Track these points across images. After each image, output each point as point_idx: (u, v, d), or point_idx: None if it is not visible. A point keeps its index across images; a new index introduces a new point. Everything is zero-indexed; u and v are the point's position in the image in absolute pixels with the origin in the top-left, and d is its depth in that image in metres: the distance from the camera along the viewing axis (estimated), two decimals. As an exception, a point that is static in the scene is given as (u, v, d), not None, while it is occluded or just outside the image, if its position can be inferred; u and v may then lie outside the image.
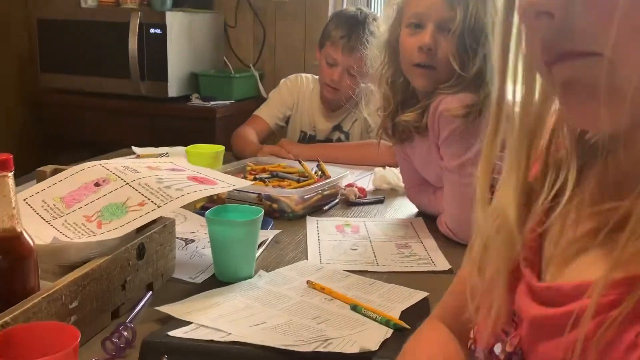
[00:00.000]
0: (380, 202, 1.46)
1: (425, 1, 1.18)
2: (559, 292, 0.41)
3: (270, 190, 1.32)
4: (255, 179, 1.40)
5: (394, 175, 1.56)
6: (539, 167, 0.49)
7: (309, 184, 1.37)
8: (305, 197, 1.33)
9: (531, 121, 0.47)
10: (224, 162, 1.53)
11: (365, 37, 1.29)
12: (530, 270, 0.45)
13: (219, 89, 2.71)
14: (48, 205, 0.92)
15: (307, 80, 2.07)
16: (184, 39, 2.65)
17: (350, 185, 1.49)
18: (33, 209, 0.91)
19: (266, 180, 1.38)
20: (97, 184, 0.95)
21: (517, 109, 0.47)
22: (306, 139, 2.04)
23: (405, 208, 1.43)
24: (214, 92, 2.70)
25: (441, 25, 1.16)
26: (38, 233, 0.82)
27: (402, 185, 1.54)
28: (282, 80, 2.10)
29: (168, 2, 2.62)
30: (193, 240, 1.14)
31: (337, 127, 2.01)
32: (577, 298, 0.39)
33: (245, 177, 1.42)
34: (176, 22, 2.58)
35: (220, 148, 1.50)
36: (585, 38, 0.36)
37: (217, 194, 1.34)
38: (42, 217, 0.89)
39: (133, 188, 0.94)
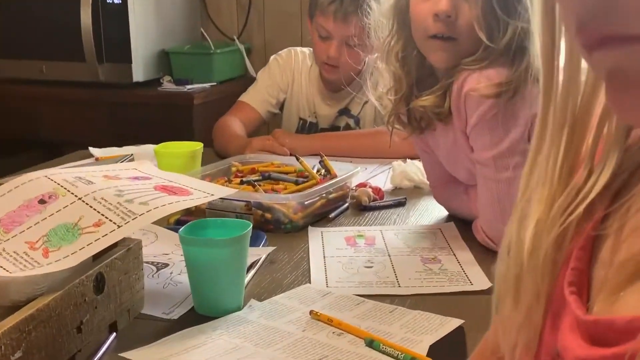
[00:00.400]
0: (401, 204, 1.45)
1: None
2: (611, 327, 0.40)
3: (261, 196, 1.31)
4: (242, 182, 1.39)
5: (417, 170, 1.55)
6: (583, 169, 0.48)
7: (310, 186, 1.36)
8: (306, 202, 1.32)
9: (576, 109, 0.46)
10: (205, 162, 1.53)
11: None
12: (577, 297, 0.44)
13: (197, 69, 2.71)
14: None
15: (303, 56, 2.07)
16: (150, 10, 2.64)
17: (362, 185, 1.48)
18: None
19: (256, 183, 1.37)
20: (41, 201, 0.95)
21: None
22: (306, 127, 2.04)
23: (432, 211, 1.42)
24: (190, 74, 2.70)
25: None
26: (-32, 267, 0.82)
27: (427, 180, 1.54)
28: (272, 57, 2.09)
29: (128, -37, 2.61)
30: (166, 265, 1.14)
31: (344, 112, 2.00)
32: (632, 336, 0.38)
33: (229, 181, 1.41)
34: (139, -12, 2.58)
35: (197, 145, 1.50)
36: (629, 18, 0.35)
37: (196, 205, 1.34)
38: None
39: (87, 204, 0.93)
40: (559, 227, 0.47)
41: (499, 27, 1.12)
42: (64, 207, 0.93)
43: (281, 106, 2.07)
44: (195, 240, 0.96)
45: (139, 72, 2.62)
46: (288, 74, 2.04)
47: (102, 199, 0.94)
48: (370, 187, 1.47)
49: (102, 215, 0.91)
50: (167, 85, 2.67)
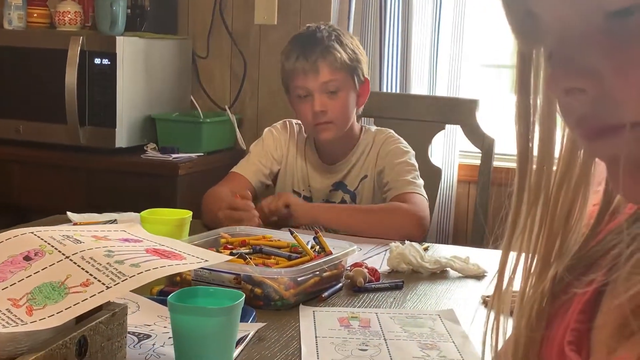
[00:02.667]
0: (398, 287, 1.49)
1: None
2: None
3: (252, 269, 1.34)
4: (232, 254, 1.43)
5: (416, 252, 1.59)
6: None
7: (303, 262, 1.40)
8: (299, 279, 1.35)
9: (550, 186, 0.55)
10: (191, 233, 1.56)
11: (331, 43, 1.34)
12: (577, 355, 0.49)
13: (184, 138, 2.77)
14: None
15: (298, 128, 2.14)
16: (139, 72, 2.73)
17: (357, 265, 1.52)
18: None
19: (247, 256, 1.41)
20: (27, 258, 0.98)
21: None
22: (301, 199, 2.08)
23: (431, 296, 1.45)
24: (176, 142, 2.75)
25: None
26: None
27: (426, 265, 1.58)
28: (266, 130, 2.15)
29: (119, 23, 2.71)
30: (149, 336, 1.16)
31: (340, 185, 2.06)
32: None
33: (218, 253, 1.45)
34: (129, 49, 2.67)
35: (186, 214, 1.54)
36: (625, 107, 0.42)
37: (180, 275, 1.37)
38: None
39: (74, 263, 0.96)
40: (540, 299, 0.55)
41: None
42: (50, 265, 0.97)
43: (274, 178, 2.12)
44: (185, 308, 0.99)
45: (123, 137, 2.68)
46: (283, 145, 2.10)
47: (91, 258, 0.97)
48: (366, 267, 1.51)
49: (91, 275, 0.94)
50: (152, 153, 2.73)
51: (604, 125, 0.44)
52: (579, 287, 0.54)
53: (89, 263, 0.96)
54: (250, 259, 1.41)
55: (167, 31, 2.97)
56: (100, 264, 0.96)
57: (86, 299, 0.91)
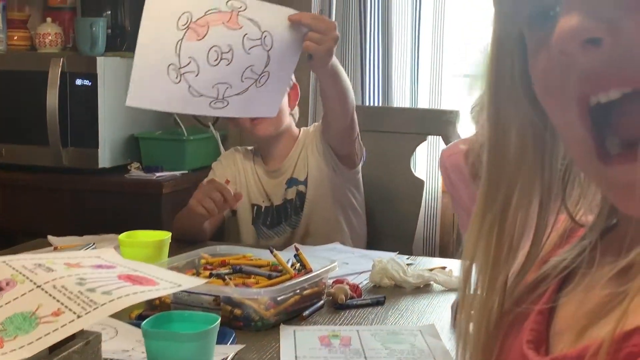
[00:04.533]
0: (379, 303, 1.48)
1: None
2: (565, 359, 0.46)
3: (231, 290, 1.34)
4: (211, 275, 1.42)
5: (398, 267, 1.59)
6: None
7: (283, 281, 1.39)
8: (279, 298, 1.35)
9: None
10: (172, 254, 1.56)
11: None
12: (535, 351, 0.51)
13: (168, 156, 2.77)
14: None
15: (244, 149, 2.20)
16: (120, 92, 2.64)
17: (339, 281, 1.52)
18: None
19: (226, 277, 1.40)
20: None
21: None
22: (262, 212, 2.12)
23: (413, 311, 1.45)
24: (160, 161, 2.75)
25: None
26: None
27: (409, 279, 1.58)
28: (214, 163, 2.23)
29: (100, 44, 2.71)
30: (127, 362, 1.15)
31: (291, 182, 2.10)
32: None
33: (198, 274, 1.44)
34: (111, 70, 2.66)
35: (165, 235, 1.54)
36: None
37: (159, 298, 1.36)
38: None
39: (46, 292, 0.96)
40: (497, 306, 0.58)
41: None
42: (21, 295, 0.96)
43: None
44: (159, 334, 0.99)
45: (106, 157, 2.67)
46: (232, 167, 2.15)
47: (63, 287, 0.96)
48: (347, 283, 1.50)
49: (62, 304, 0.94)
50: (135, 172, 2.71)
51: (613, 81, 0.44)
52: (532, 301, 0.57)
53: (60, 292, 0.96)
54: (230, 279, 1.40)
55: (149, 50, 2.96)
56: (72, 293, 0.95)
57: (57, 328, 0.90)
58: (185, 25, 1.53)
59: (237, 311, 1.32)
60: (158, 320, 1.03)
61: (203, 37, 1.54)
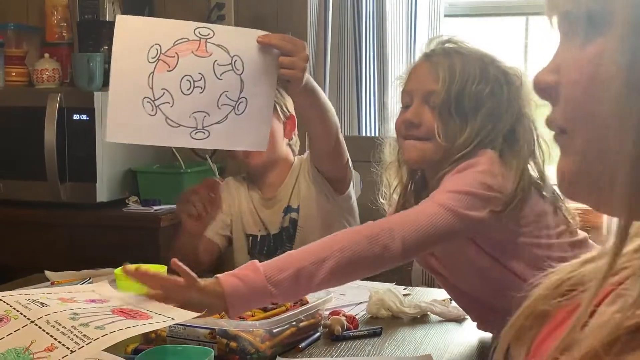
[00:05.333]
0: (376, 334, 1.48)
1: (414, 77, 1.48)
2: None
3: (226, 323, 1.34)
4: (207, 309, 1.42)
5: (395, 298, 1.59)
6: None
7: (279, 313, 1.39)
8: (275, 331, 1.35)
9: None
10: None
11: None
12: None
13: (165, 190, 2.76)
14: None
15: (238, 180, 2.21)
16: (118, 126, 2.73)
17: (335, 312, 1.52)
18: None
19: (222, 310, 1.40)
20: None
21: None
22: (257, 242, 2.12)
23: (410, 342, 1.45)
24: (158, 194, 2.75)
25: (427, 98, 1.43)
26: None
27: (406, 310, 1.58)
28: None
29: (97, 79, 2.72)
30: (122, 396, 1.15)
31: (288, 210, 2.10)
32: None
33: (194, 307, 1.44)
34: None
35: (161, 268, 1.54)
36: None
37: (154, 331, 1.36)
38: None
39: (40, 328, 0.96)
40: None
41: (458, 128, 1.39)
42: (15, 331, 0.97)
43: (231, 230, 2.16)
44: (153, 368, 0.99)
45: (104, 192, 2.68)
46: (228, 199, 2.14)
47: (56, 322, 0.97)
48: (344, 315, 1.51)
49: (55, 339, 0.94)
50: (133, 205, 2.72)
51: None
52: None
53: (54, 327, 0.96)
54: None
55: (146, 84, 2.98)
56: (65, 327, 0.96)
57: (50, 364, 0.90)
58: (155, 58, 1.55)
59: (233, 344, 1.32)
60: (152, 355, 1.03)
61: (174, 68, 1.56)
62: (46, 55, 2.89)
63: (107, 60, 2.82)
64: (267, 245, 2.11)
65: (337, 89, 2.73)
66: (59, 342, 0.94)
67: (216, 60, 1.57)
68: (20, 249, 2.71)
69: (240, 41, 1.58)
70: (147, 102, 1.55)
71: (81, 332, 0.95)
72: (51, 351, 0.93)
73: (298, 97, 1.83)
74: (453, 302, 1.60)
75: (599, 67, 0.49)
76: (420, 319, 1.59)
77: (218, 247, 2.13)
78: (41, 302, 1.03)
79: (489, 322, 1.46)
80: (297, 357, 1.36)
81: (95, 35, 2.90)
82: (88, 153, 2.63)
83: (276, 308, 1.44)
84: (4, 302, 1.03)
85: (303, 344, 1.40)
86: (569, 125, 0.52)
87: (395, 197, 1.56)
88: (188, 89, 1.56)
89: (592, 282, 0.51)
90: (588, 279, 0.57)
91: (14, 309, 1.01)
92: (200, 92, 1.56)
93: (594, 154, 0.50)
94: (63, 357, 0.91)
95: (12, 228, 2.73)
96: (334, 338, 1.45)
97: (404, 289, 1.77)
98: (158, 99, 1.55)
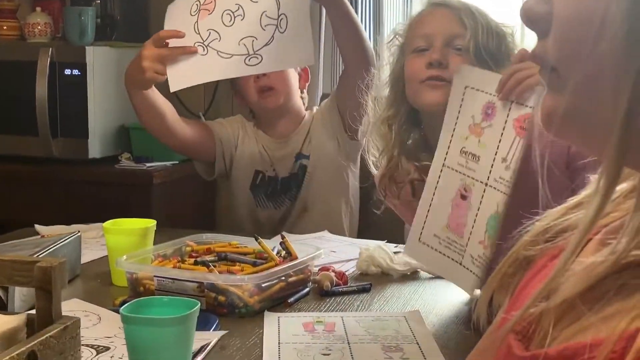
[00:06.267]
0: (365, 290, 1.48)
1: (432, 21, 1.44)
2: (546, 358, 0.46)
3: (215, 277, 1.34)
4: (196, 262, 1.42)
5: (385, 255, 1.59)
6: None
7: (268, 268, 1.39)
8: (264, 285, 1.35)
9: None
10: (157, 242, 1.56)
11: None
12: (520, 342, 0.50)
13: (158, 147, 2.69)
14: None
15: (249, 121, 2.20)
16: (110, 82, 2.70)
17: (325, 268, 1.52)
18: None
19: (211, 264, 1.40)
20: (463, 197, 1.21)
21: None
22: (265, 181, 2.12)
23: (399, 298, 1.45)
24: (150, 151, 2.73)
25: (451, 42, 1.42)
26: None
27: (396, 267, 1.58)
28: (218, 119, 2.25)
29: (89, 33, 2.70)
30: (107, 348, 1.15)
31: (299, 156, 2.11)
32: None
33: (183, 261, 1.44)
34: (100, 59, 2.65)
35: (150, 223, 1.53)
36: None
37: (143, 285, 1.37)
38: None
39: (494, 188, 1.18)
40: None
41: None
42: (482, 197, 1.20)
43: (229, 165, 2.15)
44: (136, 319, 0.99)
45: (96, 148, 2.66)
46: (236, 130, 2.15)
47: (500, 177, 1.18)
48: (333, 271, 1.50)
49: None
50: (126, 162, 2.71)
51: None
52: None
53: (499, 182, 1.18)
54: (215, 266, 1.40)
55: (138, 40, 2.91)
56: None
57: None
58: (197, 10, 1.74)
59: (221, 298, 1.32)
60: (138, 306, 1.03)
61: (213, 10, 1.72)
62: (38, 9, 2.84)
63: (99, 14, 2.81)
64: (272, 187, 2.11)
65: (332, 45, 2.70)
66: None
67: None
68: (11, 203, 2.70)
69: None
70: (198, 45, 1.73)
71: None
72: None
73: (332, 14, 1.90)
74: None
75: (599, 1, 0.46)
76: (409, 276, 1.59)
77: (213, 141, 2.12)
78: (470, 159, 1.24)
79: None
80: (286, 312, 1.36)
81: (87, -11, 2.86)
82: (80, 108, 2.61)
83: (265, 263, 1.44)
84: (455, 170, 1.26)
85: (292, 299, 1.40)
86: (560, 64, 0.49)
87: (384, 162, 1.54)
88: (230, 21, 1.72)
89: (580, 225, 0.50)
90: (575, 225, 0.56)
91: (467, 176, 1.23)
92: (242, 20, 1.71)
93: (586, 94, 0.48)
94: None
95: (3, 183, 2.72)
96: (323, 293, 1.45)
97: (395, 246, 1.77)
98: (206, 39, 1.72)
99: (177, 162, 2.74)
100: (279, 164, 2.11)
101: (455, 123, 1.27)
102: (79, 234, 1.56)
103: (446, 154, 1.28)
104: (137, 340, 0.98)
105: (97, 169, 2.67)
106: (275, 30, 1.70)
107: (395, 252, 1.66)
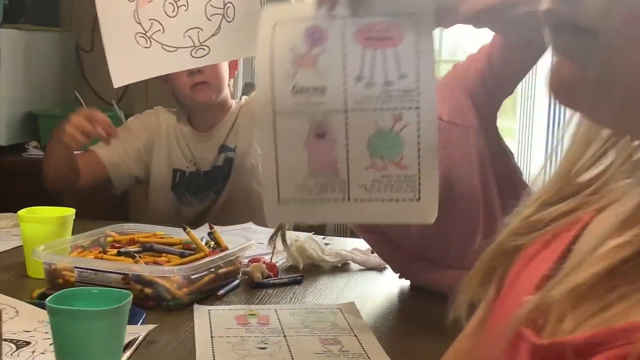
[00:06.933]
0: (297, 282, 1.44)
1: None
2: (562, 349, 0.43)
3: (141, 268, 1.27)
4: (119, 253, 1.35)
5: (316, 246, 1.55)
6: None
7: (197, 259, 1.33)
8: (193, 277, 1.29)
9: None
10: (76, 232, 1.47)
11: None
12: (531, 330, 0.47)
13: (68, 135, 2.65)
14: None
15: (167, 112, 2.12)
16: (18, 66, 2.60)
17: (255, 260, 1.47)
18: None
19: (136, 255, 1.33)
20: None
21: None
22: (185, 177, 2.05)
23: (332, 289, 1.42)
24: (60, 140, 2.63)
25: None
26: None
27: (327, 258, 1.54)
28: (130, 119, 2.17)
29: (-3, 14, 2.57)
30: (28, 343, 1.08)
31: (223, 148, 2.04)
32: (585, 354, 0.40)
33: (104, 252, 1.37)
34: (8, 42, 2.54)
35: (69, 211, 1.45)
36: None
37: (62, 277, 1.29)
38: None
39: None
40: None
41: None
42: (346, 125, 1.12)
43: (145, 170, 2.08)
44: (65, 311, 0.91)
45: (2, 135, 2.57)
46: (149, 128, 2.08)
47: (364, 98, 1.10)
48: (264, 262, 1.46)
49: None
50: (34, 151, 2.61)
51: None
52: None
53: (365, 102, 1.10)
54: (140, 257, 1.33)
55: (49, 23, 2.84)
56: None
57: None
58: None
59: (148, 290, 1.26)
60: (64, 298, 0.95)
61: None
62: (-60, -13, 2.69)
63: (7, -6, 2.67)
64: (195, 182, 2.04)
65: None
66: None
67: None
68: None
69: None
70: (140, 36, 1.60)
71: None
72: None
73: None
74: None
75: None
76: (340, 267, 1.56)
77: (105, 174, 2.04)
78: None
79: (411, 271, 1.44)
80: (216, 305, 1.30)
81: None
82: (-15, 93, 2.49)
83: (195, 254, 1.37)
84: None
85: (222, 291, 1.34)
86: (607, 27, 0.41)
87: None
88: (173, 11, 1.60)
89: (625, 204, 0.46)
90: (569, 213, 0.53)
91: None
92: (186, 10, 1.59)
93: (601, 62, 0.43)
94: None
95: None
96: (254, 286, 1.40)
97: (323, 238, 1.73)
98: (148, 30, 1.59)
99: (88, 151, 2.64)
100: (200, 157, 2.04)
101: (272, 65, 1.15)
102: (-9, 222, 1.46)
103: (272, 100, 1.15)
104: (66, 334, 0.91)
105: (3, 158, 2.57)
106: (222, 19, 1.61)
107: (326, 244, 1.62)
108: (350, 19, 1.11)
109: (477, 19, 1.10)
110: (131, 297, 0.96)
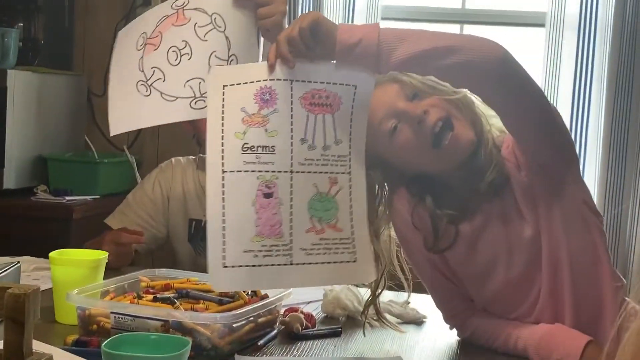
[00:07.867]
0: (336, 334, 1.37)
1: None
2: None
3: (182, 315, 1.20)
4: (155, 299, 1.28)
5: (353, 296, 1.49)
6: None
7: (237, 307, 1.26)
8: (234, 325, 1.22)
9: None
10: (106, 277, 1.40)
11: None
12: None
13: (78, 180, 2.59)
14: None
15: (184, 161, 2.08)
16: (31, 109, 2.55)
17: (292, 309, 1.40)
18: None
19: (176, 300, 1.26)
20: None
21: None
22: (202, 227, 1.96)
23: (375, 342, 1.35)
24: (70, 184, 2.57)
25: None
26: None
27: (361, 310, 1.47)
28: (146, 176, 2.12)
29: (11, 56, 2.51)
30: (70, 392, 1.00)
31: None
32: None
33: (139, 297, 1.30)
34: (21, 84, 2.49)
35: (102, 254, 1.38)
36: None
37: (97, 323, 1.22)
38: None
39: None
40: None
41: None
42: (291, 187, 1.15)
43: (166, 225, 2.03)
44: (126, 357, 0.85)
45: (11, 178, 2.49)
46: (170, 182, 2.03)
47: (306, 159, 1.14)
48: (302, 312, 1.39)
49: None
50: (42, 195, 2.54)
51: None
52: None
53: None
54: (179, 303, 1.26)
55: (62, 67, 2.80)
56: None
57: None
58: (142, 44, 1.54)
59: (188, 338, 1.18)
60: (118, 344, 0.89)
61: (159, 45, 1.52)
62: (-42, 28, 2.65)
63: (22, 37, 2.64)
64: None
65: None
66: None
67: (196, 23, 1.51)
68: None
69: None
70: (141, 85, 1.52)
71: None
72: None
73: None
74: (411, 303, 1.51)
75: None
76: (376, 319, 1.49)
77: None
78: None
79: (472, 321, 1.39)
80: (257, 356, 1.23)
81: (10, 11, 2.69)
82: (-3, 135, 2.43)
83: (233, 301, 1.30)
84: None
85: (262, 341, 1.27)
86: None
87: None
88: (175, 60, 1.51)
89: None
90: None
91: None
92: (189, 59, 1.51)
93: None
94: None
95: None
96: (293, 336, 1.33)
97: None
98: (150, 78, 1.52)
99: (98, 196, 2.59)
100: None
101: (222, 124, 1.16)
102: (19, 264, 1.39)
103: (222, 158, 1.15)
104: (124, 383, 0.84)
105: (12, 201, 2.49)
106: None
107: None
108: (297, 83, 1.17)
109: (404, 67, 1.20)
110: (190, 344, 0.89)
